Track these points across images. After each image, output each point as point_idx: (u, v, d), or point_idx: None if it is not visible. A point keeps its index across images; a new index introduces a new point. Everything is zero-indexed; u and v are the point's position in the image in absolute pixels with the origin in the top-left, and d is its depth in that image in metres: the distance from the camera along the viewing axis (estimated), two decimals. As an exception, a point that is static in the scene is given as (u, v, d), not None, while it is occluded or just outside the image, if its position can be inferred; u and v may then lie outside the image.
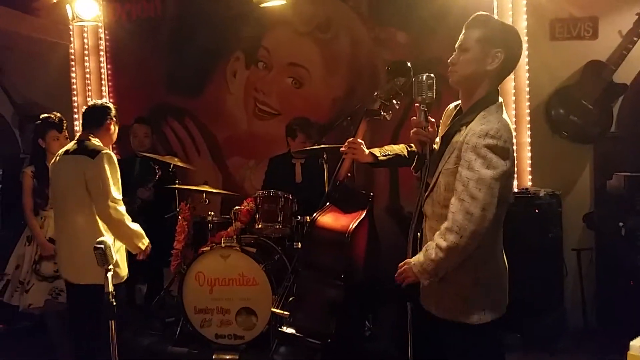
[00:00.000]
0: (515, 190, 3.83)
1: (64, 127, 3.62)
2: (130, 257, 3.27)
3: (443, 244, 1.92)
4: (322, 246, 2.89)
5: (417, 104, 2.10)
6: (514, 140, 2.00)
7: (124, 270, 3.15)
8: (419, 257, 2.01)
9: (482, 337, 2.03)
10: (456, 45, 2.04)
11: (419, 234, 2.15)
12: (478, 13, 2.03)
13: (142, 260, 3.26)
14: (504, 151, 1.89)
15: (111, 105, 3.24)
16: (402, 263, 2.07)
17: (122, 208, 3.04)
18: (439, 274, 1.99)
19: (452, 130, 2.05)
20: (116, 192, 3.01)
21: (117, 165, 3.07)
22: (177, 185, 4.18)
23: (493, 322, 2.03)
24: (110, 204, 2.98)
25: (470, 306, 2.01)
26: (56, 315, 3.55)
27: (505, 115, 2.00)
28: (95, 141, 3.10)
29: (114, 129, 3.21)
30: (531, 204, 3.70)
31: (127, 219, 3.06)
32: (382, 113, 2.81)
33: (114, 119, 3.19)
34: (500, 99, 2.04)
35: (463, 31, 2.03)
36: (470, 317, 2.00)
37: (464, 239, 1.88)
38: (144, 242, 3.14)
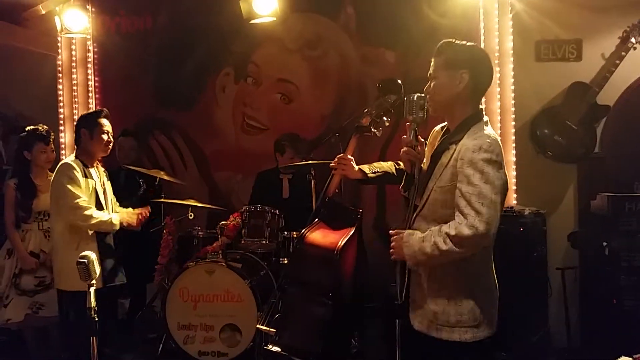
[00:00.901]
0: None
1: (51, 140, 3.59)
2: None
3: (443, 246, 1.91)
4: (310, 263, 2.85)
5: (407, 123, 2.12)
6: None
7: (68, 282, 3.13)
8: (412, 244, 2.00)
9: (475, 354, 2.03)
10: (428, 75, 2.11)
11: None
12: (442, 41, 2.09)
13: (126, 275, 3.32)
14: (498, 164, 1.93)
15: (86, 114, 3.40)
16: (394, 232, 2.09)
17: (88, 212, 3.12)
18: (422, 265, 2.04)
19: (441, 149, 2.08)
20: (76, 197, 3.11)
21: (74, 173, 3.14)
22: (162, 199, 4.15)
23: (486, 339, 2.03)
24: (75, 211, 3.11)
25: (464, 323, 2.00)
26: (35, 330, 3.48)
27: (492, 130, 2.05)
28: (76, 153, 3.28)
29: (91, 134, 3.26)
30: (516, 222, 3.72)
31: (99, 218, 3.16)
32: (373, 130, 2.82)
33: (86, 125, 3.28)
34: (486, 117, 2.09)
35: (432, 61, 2.09)
36: (464, 334, 2.00)
37: (464, 249, 1.90)
38: (128, 216, 3.32)
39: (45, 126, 3.61)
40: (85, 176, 3.23)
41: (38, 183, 3.53)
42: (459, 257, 1.95)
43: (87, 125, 3.27)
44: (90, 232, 3.20)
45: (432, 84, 2.07)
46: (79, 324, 2.92)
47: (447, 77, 2.03)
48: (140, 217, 3.37)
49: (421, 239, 1.98)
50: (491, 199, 1.88)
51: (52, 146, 3.61)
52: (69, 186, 3.11)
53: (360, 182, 2.73)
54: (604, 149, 3.99)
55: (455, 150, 2.01)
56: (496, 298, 2.10)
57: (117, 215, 3.32)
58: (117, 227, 3.26)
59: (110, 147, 3.33)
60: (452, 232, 1.89)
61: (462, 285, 2.01)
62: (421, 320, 2.09)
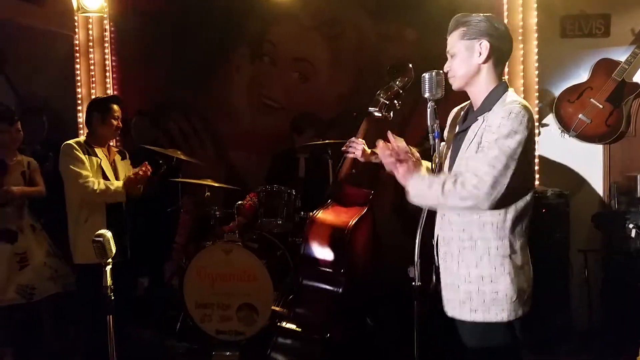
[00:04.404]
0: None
1: (15, 120, 3.51)
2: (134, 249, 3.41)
3: (444, 195, 1.88)
4: (322, 242, 2.88)
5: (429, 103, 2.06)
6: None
7: (85, 252, 3.17)
8: (423, 175, 1.96)
9: (512, 333, 1.99)
10: (448, 55, 2.05)
11: (437, 235, 2.12)
12: (456, 15, 2.03)
13: (144, 254, 3.34)
14: (528, 131, 1.88)
15: (99, 98, 3.47)
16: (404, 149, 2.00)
17: (91, 185, 3.19)
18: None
19: (468, 124, 2.04)
20: (80, 176, 3.19)
21: (75, 152, 3.23)
22: (180, 179, 4.14)
23: (521, 318, 1.98)
24: (83, 188, 3.18)
25: (501, 301, 1.95)
26: (51, 302, 3.54)
27: (519, 97, 2.00)
28: (86, 135, 3.41)
29: (102, 118, 3.36)
30: (539, 203, 3.64)
31: (102, 187, 3.22)
32: (384, 113, 2.81)
33: (98, 109, 3.38)
34: (511, 89, 2.03)
35: (447, 39, 2.03)
36: (501, 312, 1.95)
37: (462, 205, 1.89)
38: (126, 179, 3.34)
39: (4, 106, 3.57)
40: (89, 154, 3.31)
41: (8, 162, 3.51)
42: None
43: (99, 109, 3.39)
44: (100, 206, 3.28)
45: (452, 62, 2.01)
46: (91, 297, 3.00)
47: (465, 50, 1.98)
48: (138, 175, 3.35)
49: (430, 181, 1.93)
50: (506, 165, 1.83)
51: (18, 126, 3.52)
52: (72, 166, 3.22)
53: (374, 164, 2.71)
54: (631, 128, 3.87)
55: (484, 120, 1.96)
56: (531, 276, 2.04)
57: (119, 182, 3.38)
58: (123, 193, 3.31)
59: (119, 132, 3.49)
60: (461, 192, 1.86)
61: (498, 262, 1.95)
62: (453, 305, 2.04)
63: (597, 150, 3.96)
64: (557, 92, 3.97)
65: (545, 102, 3.99)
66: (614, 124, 3.82)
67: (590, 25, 3.93)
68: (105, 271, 2.34)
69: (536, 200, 3.57)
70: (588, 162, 3.97)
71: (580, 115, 3.86)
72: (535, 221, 3.55)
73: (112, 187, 3.27)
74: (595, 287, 3.83)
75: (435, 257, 2.14)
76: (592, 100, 3.83)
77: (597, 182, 3.97)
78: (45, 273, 3.48)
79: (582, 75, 3.92)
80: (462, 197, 1.86)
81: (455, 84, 2.04)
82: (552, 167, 3.96)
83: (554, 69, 3.99)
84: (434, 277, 2.16)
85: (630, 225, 3.32)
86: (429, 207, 2.05)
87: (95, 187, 3.21)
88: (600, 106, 3.81)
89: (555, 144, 3.97)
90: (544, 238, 3.62)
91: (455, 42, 2.00)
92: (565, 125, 3.92)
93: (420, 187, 1.93)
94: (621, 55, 3.79)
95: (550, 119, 3.98)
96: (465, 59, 1.99)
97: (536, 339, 3.60)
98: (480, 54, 1.97)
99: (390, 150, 1.99)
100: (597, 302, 3.82)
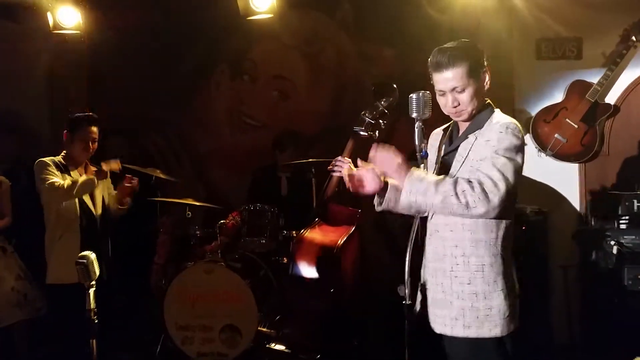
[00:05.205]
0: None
1: None
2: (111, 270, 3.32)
3: (453, 200, 1.85)
4: (311, 261, 2.86)
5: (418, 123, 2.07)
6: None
7: (55, 272, 3.16)
8: (421, 174, 1.91)
9: (504, 349, 1.99)
10: (445, 90, 2.01)
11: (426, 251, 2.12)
12: (446, 50, 2.00)
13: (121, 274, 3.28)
14: (521, 146, 1.96)
15: (73, 117, 3.36)
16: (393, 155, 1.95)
17: (58, 182, 3.14)
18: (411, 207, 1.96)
19: (458, 142, 2.08)
20: (47, 181, 3.13)
21: (47, 168, 3.18)
22: (159, 198, 4.07)
23: (513, 333, 1.99)
24: (51, 191, 3.12)
25: (494, 317, 1.96)
26: (22, 326, 3.41)
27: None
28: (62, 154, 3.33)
29: (71, 137, 3.30)
30: (518, 221, 3.69)
31: (73, 183, 3.16)
32: (369, 132, 2.84)
33: (69, 128, 3.31)
34: (497, 109, 2.10)
35: (441, 74, 1.99)
36: (494, 328, 1.96)
37: (468, 210, 1.86)
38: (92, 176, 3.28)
39: None
40: (62, 171, 3.24)
41: None
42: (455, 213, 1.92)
43: (69, 128, 3.32)
44: (74, 225, 3.21)
45: (461, 96, 2.00)
46: (62, 319, 3.01)
47: (477, 82, 2.01)
48: (125, 187, 3.38)
49: (434, 183, 1.88)
50: (506, 177, 1.87)
51: None
52: (42, 175, 3.15)
53: None
54: (605, 147, 3.98)
55: (476, 138, 2.01)
56: (518, 291, 2.06)
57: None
58: (93, 180, 3.25)
59: (89, 152, 3.36)
60: (463, 199, 1.84)
61: (492, 279, 1.97)
62: (444, 321, 2.04)
63: (573, 169, 4.06)
64: (533, 113, 4.07)
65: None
66: (589, 144, 3.93)
67: (563, 48, 4.05)
68: (89, 293, 2.27)
69: (516, 218, 3.68)
70: (565, 180, 4.06)
71: (556, 135, 3.96)
72: (515, 238, 3.65)
73: (79, 180, 3.20)
74: (575, 302, 3.89)
75: (422, 274, 2.14)
76: (567, 120, 3.94)
77: (574, 199, 4.06)
78: (12, 299, 3.37)
79: (557, 96, 4.03)
80: (475, 200, 1.83)
81: (465, 116, 2.05)
82: (530, 186, 4.02)
83: (530, 89, 4.09)
84: (419, 295, 2.16)
85: (612, 242, 3.40)
86: (420, 210, 2.00)
87: (63, 183, 3.14)
88: (575, 126, 3.92)
89: (533, 163, 4.04)
90: (524, 255, 3.67)
91: (464, 79, 1.97)
92: (542, 145, 4.01)
93: (420, 185, 1.88)
94: (594, 77, 3.91)
95: (527, 138, 4.08)
96: (479, 92, 2.02)
97: (518, 353, 3.62)
98: (486, 83, 2.04)
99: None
100: (576, 317, 3.87)
